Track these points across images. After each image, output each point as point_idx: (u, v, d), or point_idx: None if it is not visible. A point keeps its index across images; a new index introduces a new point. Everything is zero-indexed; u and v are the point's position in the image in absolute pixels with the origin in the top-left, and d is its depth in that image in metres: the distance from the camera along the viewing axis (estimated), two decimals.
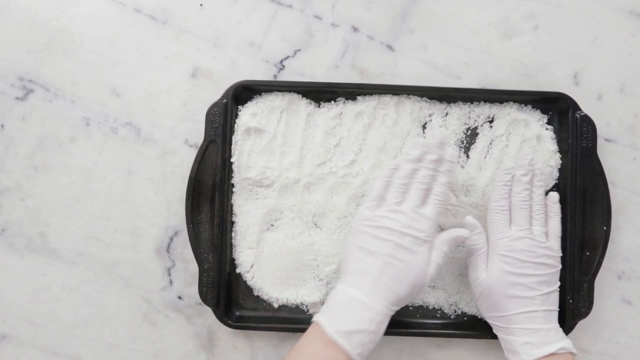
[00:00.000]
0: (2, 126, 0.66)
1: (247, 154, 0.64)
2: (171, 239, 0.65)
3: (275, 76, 0.66)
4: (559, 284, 0.59)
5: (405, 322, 0.63)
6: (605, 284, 0.65)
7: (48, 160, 0.66)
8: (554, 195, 0.61)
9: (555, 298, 0.58)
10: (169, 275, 0.65)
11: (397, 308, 0.57)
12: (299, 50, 0.66)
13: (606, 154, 0.65)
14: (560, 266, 0.59)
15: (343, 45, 0.66)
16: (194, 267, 0.63)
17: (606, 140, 0.66)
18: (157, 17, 0.66)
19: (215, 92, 0.64)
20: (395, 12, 0.66)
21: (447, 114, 0.65)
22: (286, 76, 0.66)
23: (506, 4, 0.66)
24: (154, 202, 0.65)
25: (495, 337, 0.61)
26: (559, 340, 0.56)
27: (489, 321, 0.60)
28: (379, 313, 0.54)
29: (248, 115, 0.64)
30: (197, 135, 0.64)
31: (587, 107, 0.64)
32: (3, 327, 0.65)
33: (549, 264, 0.58)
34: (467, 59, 0.66)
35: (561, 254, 0.60)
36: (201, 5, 0.66)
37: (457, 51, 0.66)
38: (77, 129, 0.66)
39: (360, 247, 0.56)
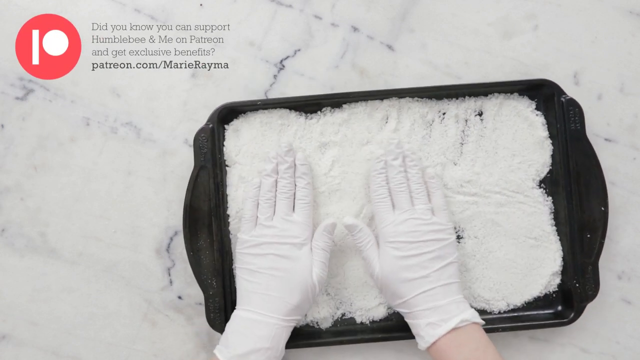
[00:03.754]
0: (2, 126, 0.66)
1: (239, 184, 0.63)
2: (171, 239, 0.65)
3: (275, 76, 0.66)
4: (455, 254, 0.58)
5: (396, 326, 0.63)
6: (606, 284, 0.65)
7: (48, 160, 0.66)
8: (430, 171, 0.61)
9: (452, 271, 0.57)
10: (169, 275, 0.65)
11: (297, 317, 0.58)
12: (298, 50, 0.66)
13: (606, 154, 0.65)
14: (452, 237, 0.59)
15: (343, 45, 0.66)
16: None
17: (606, 140, 0.66)
18: (157, 17, 0.66)
19: (215, 92, 0.64)
20: (395, 12, 0.66)
21: (444, 113, 0.65)
22: (286, 76, 0.66)
23: (506, 4, 0.66)
24: (154, 202, 0.65)
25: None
26: (460, 313, 0.55)
27: (397, 310, 0.59)
28: (274, 327, 0.55)
29: (235, 138, 0.64)
30: None
31: (587, 106, 0.64)
32: (3, 327, 0.65)
33: (438, 238, 0.58)
34: (467, 58, 0.66)
35: (451, 225, 0.59)
36: (201, 5, 0.66)
37: (457, 51, 0.66)
38: (77, 129, 0.66)
39: (245, 269, 0.58)
